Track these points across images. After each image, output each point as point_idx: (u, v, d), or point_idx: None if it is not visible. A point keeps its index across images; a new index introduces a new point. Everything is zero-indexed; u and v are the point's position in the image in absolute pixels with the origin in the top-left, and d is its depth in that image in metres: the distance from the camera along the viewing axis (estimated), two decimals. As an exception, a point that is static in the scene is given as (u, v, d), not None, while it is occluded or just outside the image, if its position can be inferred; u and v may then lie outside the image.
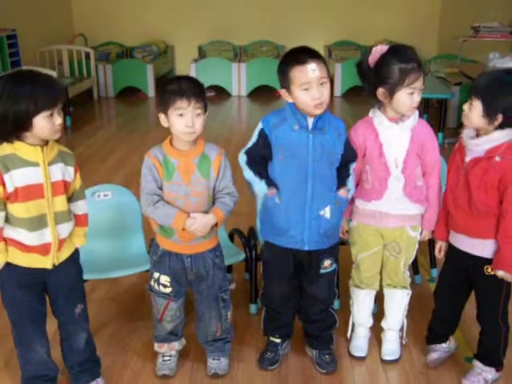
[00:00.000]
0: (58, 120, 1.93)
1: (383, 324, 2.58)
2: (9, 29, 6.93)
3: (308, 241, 2.26)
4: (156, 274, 2.30)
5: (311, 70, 2.08)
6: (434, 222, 2.39)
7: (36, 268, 2.05)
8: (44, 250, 2.04)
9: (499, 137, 2.09)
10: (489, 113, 2.07)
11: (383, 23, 9.38)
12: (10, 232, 2.01)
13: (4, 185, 1.92)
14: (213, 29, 9.69)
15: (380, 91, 2.22)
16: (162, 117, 2.16)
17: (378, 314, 2.69)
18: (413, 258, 2.48)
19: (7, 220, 2.00)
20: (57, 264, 2.09)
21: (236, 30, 9.71)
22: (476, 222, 2.18)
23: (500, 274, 2.15)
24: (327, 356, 2.48)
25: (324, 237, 2.27)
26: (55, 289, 2.14)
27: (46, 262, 2.06)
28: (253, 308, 2.90)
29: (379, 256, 2.46)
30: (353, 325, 2.61)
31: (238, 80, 8.89)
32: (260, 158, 2.25)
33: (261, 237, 2.45)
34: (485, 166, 2.11)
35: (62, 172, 2.04)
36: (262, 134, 2.22)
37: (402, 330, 2.58)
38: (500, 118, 2.07)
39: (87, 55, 8.34)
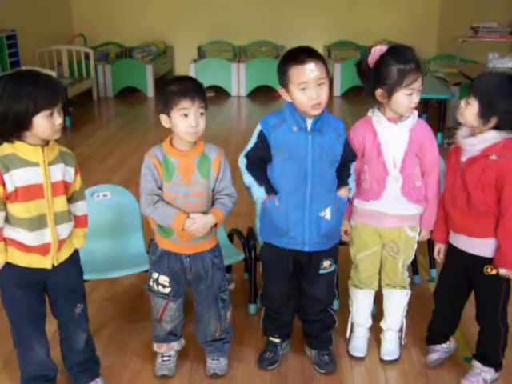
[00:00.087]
0: (58, 120, 1.93)
1: (382, 324, 2.58)
2: (8, 29, 6.93)
3: (308, 242, 2.26)
4: (155, 274, 2.30)
5: (309, 70, 2.08)
6: (433, 222, 2.39)
7: (36, 268, 2.05)
8: (44, 250, 2.04)
9: (494, 136, 2.10)
10: (484, 114, 2.08)
11: (383, 23, 9.38)
12: (10, 232, 2.01)
13: (4, 185, 1.92)
14: (212, 29, 9.69)
15: (378, 92, 2.23)
16: (163, 117, 2.15)
17: (377, 314, 2.69)
18: (411, 258, 2.48)
19: (7, 220, 2.00)
20: (56, 264, 2.09)
21: (235, 30, 9.72)
22: (475, 221, 2.18)
23: (502, 272, 2.15)
24: (326, 356, 2.48)
25: (324, 238, 2.27)
26: (55, 289, 2.14)
27: (46, 262, 2.06)
28: (252, 308, 2.90)
29: (378, 256, 2.46)
30: (352, 325, 2.61)
31: (238, 80, 8.90)
32: (259, 161, 2.25)
33: (260, 238, 2.44)
34: (481, 165, 2.11)
35: (63, 172, 2.04)
36: (261, 136, 2.22)
37: (401, 330, 2.58)
38: (494, 120, 2.08)
39: (86, 55, 8.34)
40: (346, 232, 2.47)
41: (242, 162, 2.27)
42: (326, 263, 2.34)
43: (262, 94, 8.71)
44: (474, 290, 2.32)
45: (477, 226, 2.19)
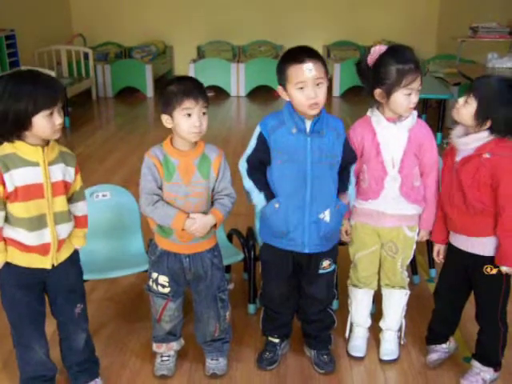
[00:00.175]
0: (58, 120, 1.93)
1: (381, 324, 2.59)
2: (7, 29, 6.93)
3: (308, 244, 2.26)
4: (154, 274, 2.30)
5: (307, 70, 2.08)
6: (432, 223, 2.39)
7: (35, 268, 2.05)
8: (43, 250, 2.04)
9: (487, 135, 2.11)
10: (481, 116, 2.09)
11: (382, 23, 9.39)
12: (10, 232, 2.01)
13: (4, 184, 1.92)
14: (211, 29, 9.70)
15: (377, 91, 2.23)
16: (165, 118, 2.14)
17: (377, 314, 2.69)
18: (410, 258, 2.48)
19: (7, 220, 2.00)
20: (56, 264, 2.09)
21: (235, 30, 9.72)
22: (473, 220, 2.18)
23: (503, 269, 2.16)
24: (326, 356, 2.48)
25: (324, 239, 2.27)
26: (55, 289, 2.14)
27: (46, 262, 2.06)
28: (251, 308, 2.90)
29: (377, 255, 2.46)
30: (351, 325, 2.61)
31: (237, 80, 8.89)
32: (259, 164, 2.25)
33: (260, 238, 2.44)
34: (475, 164, 2.12)
35: (63, 172, 2.04)
36: (261, 138, 2.22)
37: (400, 330, 2.58)
38: (489, 123, 2.10)
39: (86, 55, 8.33)
40: (346, 232, 2.47)
41: (242, 166, 2.27)
42: (326, 263, 2.34)
43: (261, 94, 8.71)
44: (474, 290, 2.32)
45: (475, 226, 2.19)
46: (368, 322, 2.59)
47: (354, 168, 2.31)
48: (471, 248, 2.23)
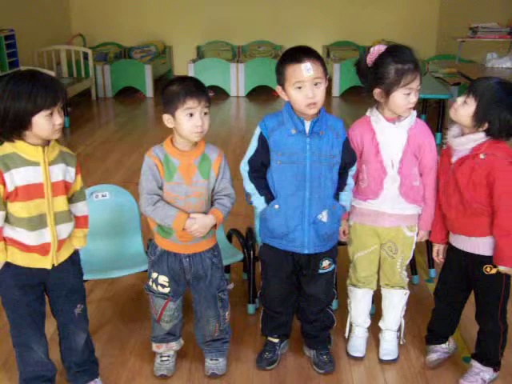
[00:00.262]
0: (58, 120, 1.93)
1: (381, 324, 2.59)
2: (7, 29, 6.92)
3: (308, 244, 2.26)
4: (154, 274, 2.30)
5: (305, 69, 2.08)
6: (431, 223, 2.39)
7: (35, 268, 2.05)
8: (43, 250, 2.04)
9: (483, 136, 2.12)
10: (479, 117, 2.10)
11: (382, 23, 9.40)
12: (10, 232, 2.01)
13: (4, 184, 1.92)
14: (211, 29, 9.70)
15: (377, 91, 2.23)
16: (166, 117, 2.14)
17: (376, 314, 2.69)
18: (410, 258, 2.48)
19: (7, 219, 2.00)
20: (56, 264, 2.09)
21: (234, 30, 9.73)
22: (471, 220, 2.19)
23: (501, 269, 2.16)
24: (325, 356, 2.48)
25: (322, 240, 2.27)
26: (55, 289, 2.14)
27: (46, 263, 2.06)
28: (251, 308, 2.90)
29: (376, 255, 2.46)
30: (350, 325, 2.61)
31: (237, 80, 8.90)
32: (261, 165, 2.25)
33: (259, 239, 2.44)
34: (471, 165, 2.13)
35: (63, 172, 2.04)
36: (262, 139, 2.22)
37: (399, 330, 2.58)
38: (486, 125, 2.10)
39: (85, 55, 8.34)
40: (344, 232, 2.47)
41: (244, 168, 2.28)
42: (325, 263, 2.34)
43: (260, 94, 8.72)
44: (474, 290, 2.33)
45: (473, 226, 2.19)
46: (367, 322, 2.59)
47: (353, 171, 2.31)
48: (470, 248, 2.23)
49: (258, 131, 2.24)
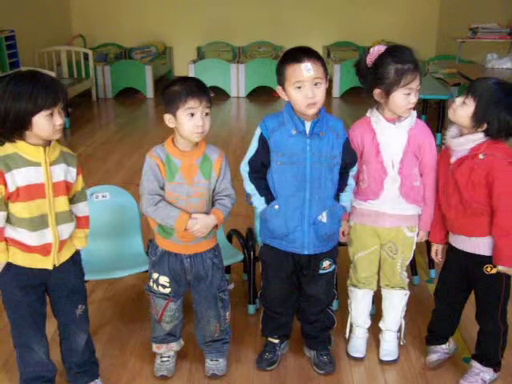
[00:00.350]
0: (59, 120, 1.93)
1: (381, 325, 2.59)
2: (7, 30, 6.93)
3: (308, 245, 2.26)
4: (155, 275, 2.30)
5: (305, 69, 2.08)
6: (431, 223, 2.39)
7: (37, 268, 2.05)
8: (45, 250, 2.04)
9: (482, 136, 2.13)
10: (478, 118, 2.10)
11: (382, 24, 9.40)
12: (11, 232, 2.01)
13: (5, 184, 1.93)
14: (211, 30, 9.70)
15: (376, 91, 2.23)
16: (168, 117, 2.15)
17: (376, 314, 2.69)
18: (410, 258, 2.48)
19: (8, 220, 2.00)
20: (57, 265, 2.09)
21: (234, 31, 9.73)
22: (471, 220, 2.19)
23: (500, 269, 2.16)
24: (325, 357, 2.48)
25: (323, 240, 2.27)
26: (56, 289, 2.14)
27: (47, 263, 2.06)
28: (251, 309, 2.90)
29: (376, 256, 2.46)
30: (351, 325, 2.61)
31: (237, 81, 8.90)
32: (261, 166, 2.26)
33: (260, 239, 2.45)
34: (470, 165, 2.14)
35: (64, 172, 2.04)
36: (262, 139, 2.22)
37: (399, 330, 2.58)
38: (485, 126, 2.11)
39: (86, 56, 8.34)
40: (343, 233, 2.47)
41: (244, 168, 2.28)
42: (326, 263, 2.35)
43: (261, 95, 8.72)
44: (474, 290, 2.33)
45: (473, 226, 2.20)
46: (368, 322, 2.59)
47: (354, 171, 2.31)
48: (470, 248, 2.23)
49: (258, 132, 2.24)
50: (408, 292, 2.53)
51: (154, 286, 2.31)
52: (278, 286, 2.40)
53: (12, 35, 6.95)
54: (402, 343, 2.59)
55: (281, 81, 2.17)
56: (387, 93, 2.20)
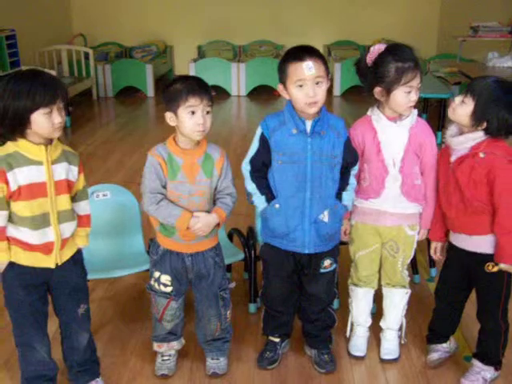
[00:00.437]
0: (58, 118, 1.93)
1: (382, 323, 2.59)
2: (8, 29, 6.93)
3: (308, 244, 2.26)
4: (156, 274, 2.30)
5: (307, 68, 2.08)
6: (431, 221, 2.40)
7: (39, 267, 2.05)
8: (47, 249, 2.04)
9: (482, 135, 2.13)
10: (477, 117, 2.10)
11: (382, 23, 9.39)
12: (13, 231, 2.01)
13: (7, 183, 1.93)
14: (212, 29, 9.70)
15: (377, 90, 2.23)
16: (169, 115, 2.15)
17: (377, 313, 2.69)
18: (411, 257, 2.48)
19: (10, 219, 2.00)
20: (60, 264, 2.09)
21: (235, 30, 9.72)
22: (472, 219, 2.19)
23: (502, 267, 2.16)
24: (326, 355, 2.48)
25: (323, 239, 2.28)
26: (58, 288, 2.14)
27: (49, 262, 2.06)
28: (252, 307, 2.90)
29: (377, 254, 2.46)
30: (352, 324, 2.61)
31: (238, 80, 8.90)
32: (262, 165, 2.26)
33: (261, 238, 2.45)
34: (470, 164, 2.14)
35: (66, 171, 2.04)
36: (263, 139, 2.23)
37: (400, 329, 2.58)
38: (484, 124, 2.11)
39: (86, 55, 8.34)
40: (345, 232, 2.46)
41: (246, 168, 2.28)
42: (327, 262, 2.35)
43: (261, 94, 8.72)
44: (476, 288, 2.33)
45: (474, 224, 2.20)
46: (368, 321, 2.59)
47: (355, 170, 2.31)
48: (471, 246, 2.23)
49: (259, 131, 2.24)
50: (409, 291, 2.53)
51: (156, 285, 2.31)
52: (279, 284, 2.40)
53: (13, 34, 6.95)
54: (402, 342, 2.59)
55: (282, 79, 2.17)
56: (388, 91, 2.20)
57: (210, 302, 2.34)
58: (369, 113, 2.35)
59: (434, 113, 6.55)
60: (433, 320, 2.51)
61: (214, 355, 2.45)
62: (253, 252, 2.85)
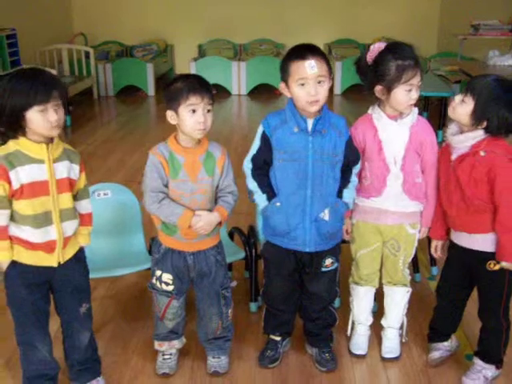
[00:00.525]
0: (53, 116, 1.92)
1: (383, 322, 2.59)
2: (8, 28, 6.93)
3: (309, 243, 2.26)
4: (158, 272, 2.30)
5: (309, 67, 2.08)
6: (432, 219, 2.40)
7: (41, 266, 2.06)
8: (49, 247, 2.04)
9: (482, 133, 2.13)
10: (477, 116, 2.11)
11: (383, 21, 9.38)
12: (15, 230, 2.01)
13: (10, 182, 1.93)
14: (212, 27, 9.69)
15: (378, 88, 2.23)
16: (170, 113, 2.15)
17: (378, 312, 2.69)
18: (412, 255, 2.49)
19: (12, 218, 2.00)
20: (62, 262, 2.09)
21: (235, 29, 9.72)
22: (473, 217, 2.19)
23: (503, 265, 2.16)
24: (327, 354, 2.48)
25: (324, 238, 2.28)
26: (60, 287, 2.14)
27: (52, 260, 2.06)
28: (253, 306, 2.90)
29: (379, 253, 2.46)
30: (353, 323, 2.61)
31: (238, 79, 8.90)
32: (263, 163, 2.26)
33: (262, 236, 2.45)
34: (471, 162, 2.14)
35: (68, 169, 2.04)
36: (264, 137, 2.23)
37: (401, 328, 2.58)
38: (485, 123, 2.11)
39: (87, 54, 8.33)
40: (347, 231, 2.47)
41: (247, 166, 2.28)
42: (328, 261, 2.35)
43: (262, 93, 8.72)
44: (477, 286, 2.33)
45: (475, 222, 2.20)
46: (369, 319, 2.59)
47: (357, 169, 2.31)
48: (473, 245, 2.23)
49: (260, 129, 2.25)
50: (410, 289, 2.53)
51: (157, 284, 2.31)
52: (280, 283, 2.40)
53: (13, 33, 6.95)
54: (403, 340, 2.59)
55: (284, 77, 2.17)
56: (388, 89, 2.20)
57: (211, 301, 2.35)
58: (369, 111, 2.35)
59: (434, 111, 6.55)
60: (434, 318, 2.51)
61: (215, 354, 2.45)
62: (254, 251, 2.85)
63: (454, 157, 2.20)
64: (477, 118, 2.11)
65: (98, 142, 6.31)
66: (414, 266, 3.13)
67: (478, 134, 2.13)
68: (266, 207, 2.27)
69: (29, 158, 1.95)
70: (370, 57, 2.23)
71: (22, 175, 1.94)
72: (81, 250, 2.19)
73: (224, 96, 8.74)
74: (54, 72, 6.10)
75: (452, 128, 2.23)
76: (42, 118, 1.91)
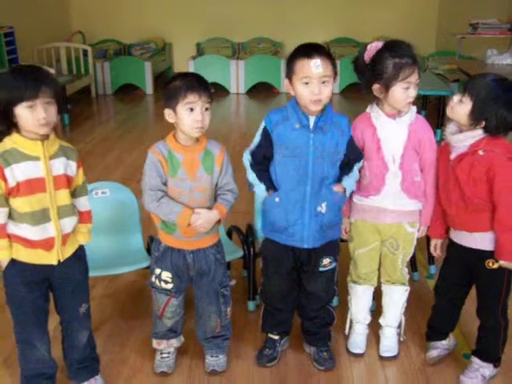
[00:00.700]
0: (41, 114, 1.90)
1: (381, 321, 2.59)
2: (6, 26, 6.92)
3: (307, 239, 2.26)
4: (157, 270, 2.30)
5: (314, 66, 2.09)
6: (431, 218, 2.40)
7: (40, 264, 2.05)
8: (47, 245, 2.04)
9: (481, 133, 2.13)
10: (476, 116, 2.11)
11: (382, 20, 9.38)
12: (13, 228, 2.01)
13: (5, 179, 1.93)
14: (211, 26, 9.68)
15: (376, 86, 2.23)
16: (168, 112, 2.15)
17: (376, 310, 2.69)
18: (411, 254, 2.49)
19: (10, 216, 2.00)
20: (62, 260, 2.09)
21: (234, 27, 9.71)
22: (472, 216, 2.19)
23: (502, 263, 2.17)
24: (325, 353, 2.48)
25: (321, 232, 2.28)
26: (60, 285, 2.14)
27: (51, 258, 2.06)
28: (251, 305, 2.90)
29: (377, 252, 2.46)
30: (351, 322, 2.61)
31: (236, 77, 8.89)
32: (263, 158, 2.26)
33: (260, 233, 2.45)
34: (470, 161, 2.14)
35: (64, 166, 2.04)
36: (265, 132, 2.24)
37: (399, 326, 2.58)
38: (483, 123, 2.11)
39: (85, 52, 8.32)
40: (345, 230, 2.47)
41: (246, 157, 2.29)
42: (326, 261, 2.35)
43: (260, 91, 8.71)
44: (476, 285, 2.33)
45: (474, 221, 2.20)
46: (368, 318, 2.59)
47: (359, 166, 2.31)
48: (472, 243, 2.24)
49: (262, 125, 2.26)
50: (408, 288, 2.53)
51: (157, 282, 2.31)
52: (279, 282, 2.40)
53: (11, 31, 6.94)
54: (402, 339, 2.59)
55: (289, 74, 2.17)
56: (386, 88, 2.20)
57: (210, 299, 2.35)
58: (368, 110, 2.35)
59: (433, 110, 6.56)
60: (432, 317, 2.51)
61: (214, 352, 2.45)
62: (252, 249, 2.85)
63: (453, 156, 2.20)
64: (475, 117, 2.11)
65: (96, 141, 6.30)
66: (412, 264, 3.13)
67: (477, 134, 2.13)
68: (265, 200, 2.27)
69: (24, 155, 1.95)
70: (368, 55, 2.23)
71: (17, 173, 1.93)
72: (81, 248, 2.19)
73: (222, 94, 8.73)
74: (52, 70, 6.09)
75: (451, 127, 2.23)
76: (31, 115, 1.90)
